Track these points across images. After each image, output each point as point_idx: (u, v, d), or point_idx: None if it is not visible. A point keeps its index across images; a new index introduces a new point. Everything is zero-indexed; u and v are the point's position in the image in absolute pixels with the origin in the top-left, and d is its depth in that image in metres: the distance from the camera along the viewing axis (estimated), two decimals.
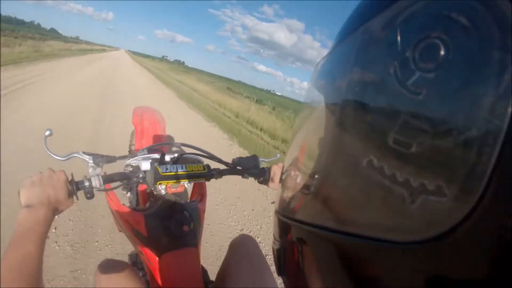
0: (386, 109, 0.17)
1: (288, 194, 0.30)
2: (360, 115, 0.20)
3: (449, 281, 0.14)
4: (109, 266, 0.67)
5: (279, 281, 0.31)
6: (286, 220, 0.28)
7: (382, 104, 0.18)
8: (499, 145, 0.12)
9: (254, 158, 0.78)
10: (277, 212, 0.31)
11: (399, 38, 0.17)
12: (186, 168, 0.72)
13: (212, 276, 0.89)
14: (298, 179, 0.28)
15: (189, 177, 0.72)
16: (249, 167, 0.77)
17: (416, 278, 0.15)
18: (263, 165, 0.82)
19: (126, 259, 1.10)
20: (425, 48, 0.16)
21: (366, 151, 0.18)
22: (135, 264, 1.08)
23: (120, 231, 0.89)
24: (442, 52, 0.15)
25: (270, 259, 0.87)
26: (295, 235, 0.27)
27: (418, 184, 0.15)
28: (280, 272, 0.31)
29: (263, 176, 0.79)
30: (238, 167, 0.78)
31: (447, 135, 0.14)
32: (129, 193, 1.27)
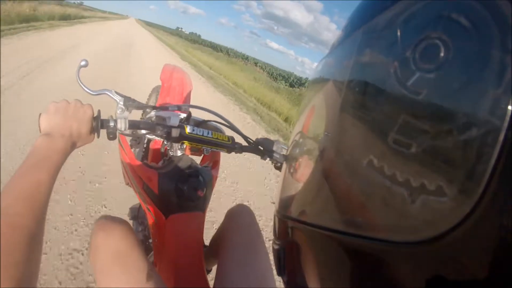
0: (386, 109, 0.17)
1: (288, 194, 0.30)
2: (360, 115, 0.20)
3: (449, 281, 0.14)
4: (105, 223, 0.65)
5: (279, 279, 0.30)
6: (286, 221, 0.28)
7: (382, 104, 0.18)
8: (499, 145, 0.12)
9: (276, 143, 0.77)
10: (277, 213, 0.31)
11: (399, 38, 0.17)
12: (211, 134, 0.71)
13: (206, 242, 0.89)
14: (299, 179, 0.28)
15: (212, 144, 0.71)
16: (270, 150, 0.76)
17: (416, 278, 0.15)
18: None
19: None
20: (425, 48, 0.16)
21: (367, 151, 0.18)
22: (136, 218, 1.07)
23: (127, 184, 0.88)
24: (442, 53, 0.15)
25: (266, 232, 0.85)
26: (295, 235, 0.27)
27: (418, 184, 0.15)
28: (280, 272, 0.31)
29: (281, 162, 0.79)
30: (260, 147, 0.77)
31: (447, 135, 0.14)
32: (134, 148, 1.26)
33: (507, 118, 0.12)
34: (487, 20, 0.13)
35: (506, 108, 0.12)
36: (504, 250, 0.12)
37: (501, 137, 0.12)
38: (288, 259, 0.29)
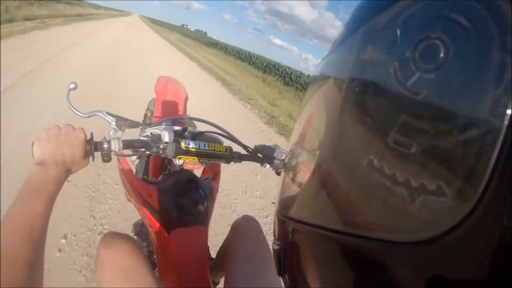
0: (386, 110, 0.17)
1: (288, 194, 0.30)
2: (360, 116, 0.20)
3: (449, 281, 0.14)
4: (111, 240, 0.65)
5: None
6: (286, 221, 0.28)
7: (382, 104, 0.18)
8: (499, 145, 0.12)
9: (276, 149, 0.76)
10: (277, 213, 0.31)
11: (399, 38, 0.17)
12: (208, 146, 0.70)
13: (212, 254, 0.90)
14: (299, 179, 0.28)
15: (210, 156, 0.70)
16: (270, 157, 0.75)
17: (416, 278, 0.15)
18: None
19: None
20: (425, 48, 0.16)
21: (367, 151, 0.18)
22: (140, 234, 1.07)
23: (129, 200, 0.87)
24: (442, 53, 0.15)
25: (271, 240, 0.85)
26: (295, 235, 0.27)
27: (418, 184, 0.15)
28: (280, 273, 0.31)
29: (282, 169, 0.78)
30: (259, 154, 0.76)
31: (447, 135, 0.14)
32: (137, 161, 1.23)
33: (507, 118, 0.12)
34: (487, 20, 0.13)
35: (505, 108, 0.12)
36: (504, 250, 0.12)
37: (501, 137, 0.12)
38: (288, 260, 0.29)
